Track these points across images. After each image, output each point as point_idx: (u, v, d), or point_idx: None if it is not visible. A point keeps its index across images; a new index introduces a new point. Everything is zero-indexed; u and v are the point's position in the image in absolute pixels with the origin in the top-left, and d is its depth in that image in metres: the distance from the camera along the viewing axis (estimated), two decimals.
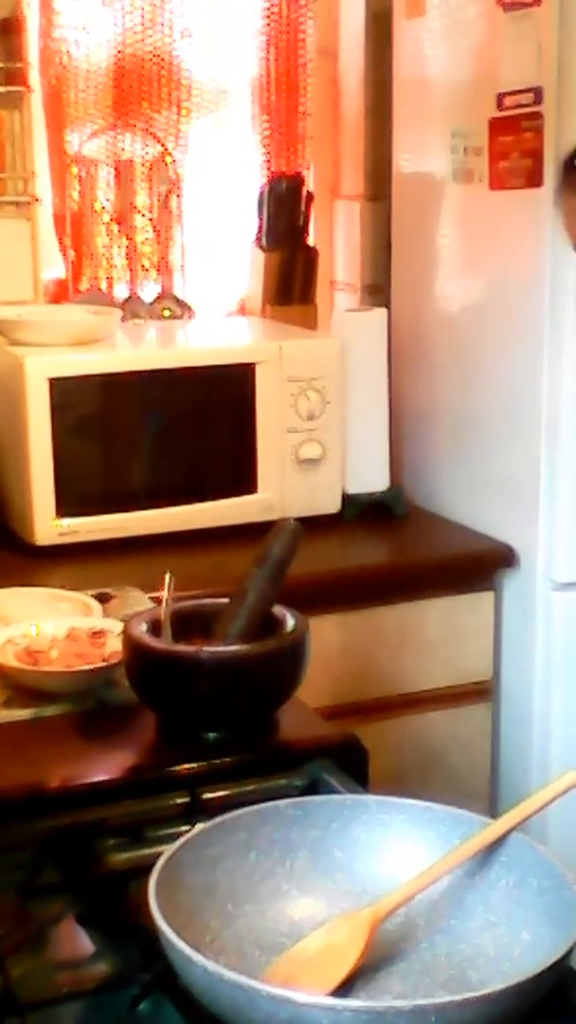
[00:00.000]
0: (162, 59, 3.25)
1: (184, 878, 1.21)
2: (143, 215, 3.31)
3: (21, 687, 1.86)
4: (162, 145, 3.28)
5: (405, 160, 3.08)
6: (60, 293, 3.27)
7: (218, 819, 1.29)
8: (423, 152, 2.98)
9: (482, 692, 2.83)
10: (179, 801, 1.53)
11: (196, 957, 1.08)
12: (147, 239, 3.32)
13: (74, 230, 3.26)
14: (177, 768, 1.62)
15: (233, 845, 1.28)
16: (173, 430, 2.81)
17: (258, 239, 3.37)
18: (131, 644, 1.73)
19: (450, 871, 1.24)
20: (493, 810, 2.56)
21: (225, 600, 1.79)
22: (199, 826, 1.28)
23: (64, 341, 2.76)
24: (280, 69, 3.38)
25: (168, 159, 3.29)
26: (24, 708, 1.82)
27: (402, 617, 2.74)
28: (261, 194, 3.36)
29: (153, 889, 1.15)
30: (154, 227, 3.31)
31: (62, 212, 3.24)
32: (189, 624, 1.77)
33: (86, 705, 1.83)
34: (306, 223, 3.39)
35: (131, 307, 3.23)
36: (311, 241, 3.41)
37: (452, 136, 2.83)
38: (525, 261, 2.65)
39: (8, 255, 3.10)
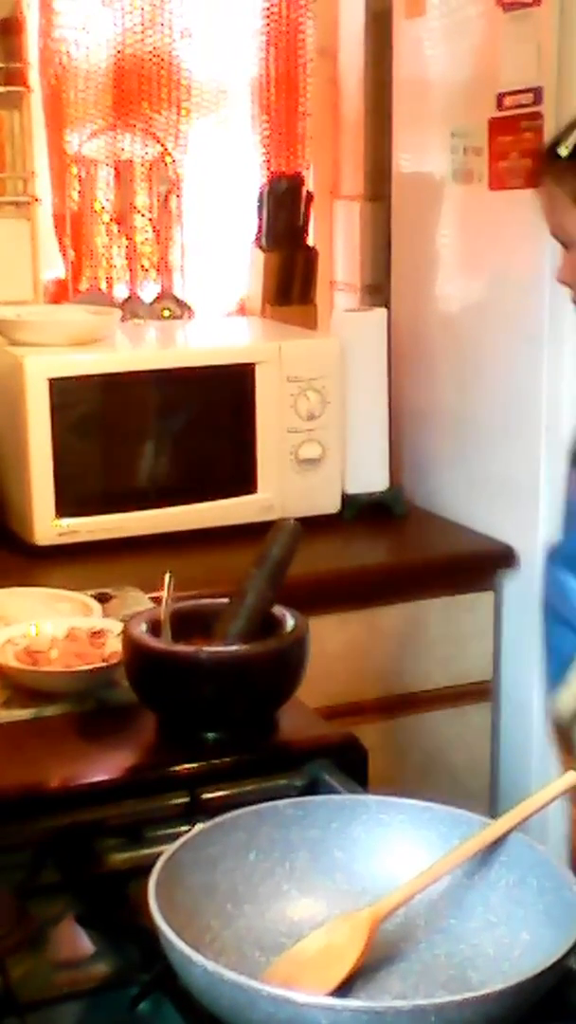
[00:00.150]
0: (162, 59, 3.25)
1: (184, 878, 1.21)
2: (143, 215, 3.31)
3: (21, 687, 1.86)
4: (162, 145, 3.29)
5: (405, 160, 3.08)
6: (60, 293, 3.27)
7: (218, 819, 1.29)
8: (423, 152, 2.98)
9: (482, 692, 2.83)
10: (179, 801, 1.53)
11: (196, 957, 1.08)
12: (147, 239, 3.32)
13: (74, 230, 3.26)
14: (177, 768, 1.62)
15: (233, 845, 1.28)
16: (173, 430, 2.81)
17: (258, 239, 3.37)
18: (131, 644, 1.73)
19: (450, 871, 1.24)
20: (493, 810, 2.56)
21: (225, 600, 1.79)
22: (199, 826, 1.28)
23: (64, 341, 2.76)
24: (280, 69, 3.39)
25: (168, 159, 3.29)
26: (24, 708, 1.82)
27: (402, 617, 2.74)
28: (261, 194, 3.36)
29: (153, 889, 1.15)
30: (154, 227, 3.31)
31: (62, 212, 3.24)
32: (189, 624, 1.77)
33: (86, 705, 1.83)
34: (306, 223, 3.39)
35: (131, 307, 3.23)
36: (311, 241, 3.42)
37: (452, 136, 2.83)
38: (525, 261, 2.65)
39: (8, 255, 3.10)
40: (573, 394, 2.62)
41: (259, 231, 3.37)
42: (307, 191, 3.39)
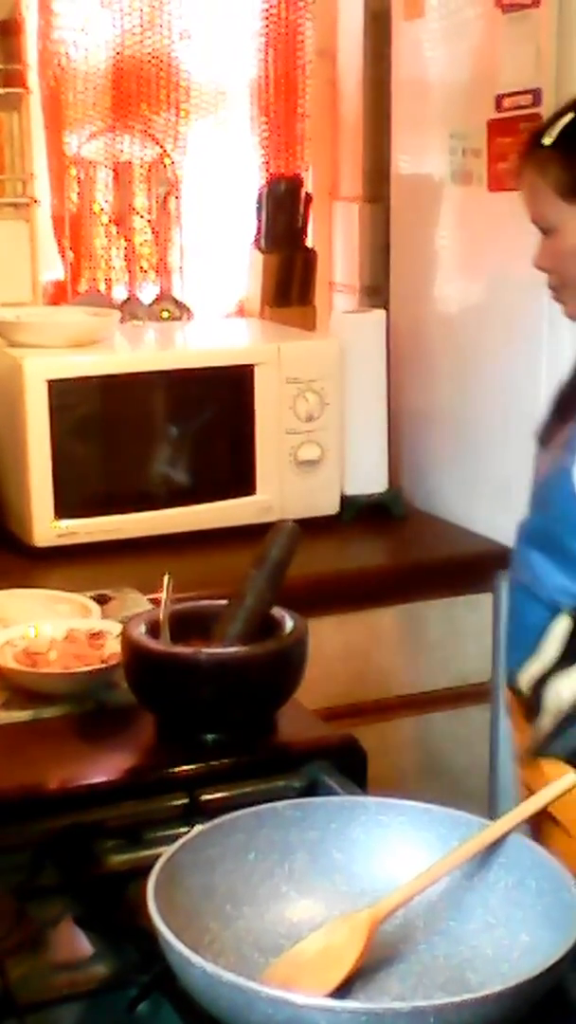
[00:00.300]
0: (161, 61, 3.25)
1: (183, 880, 1.21)
2: (142, 216, 3.31)
3: (20, 689, 1.86)
4: (161, 147, 3.29)
5: (404, 162, 3.08)
6: (59, 295, 3.27)
7: (217, 821, 1.29)
8: (422, 154, 2.98)
9: (481, 693, 2.83)
10: (178, 803, 1.54)
11: (195, 959, 1.08)
12: (146, 240, 3.32)
13: (73, 232, 3.26)
14: (176, 770, 1.62)
15: (232, 847, 1.28)
16: (172, 432, 2.81)
17: (257, 240, 3.37)
18: (130, 646, 1.73)
19: (449, 872, 1.24)
20: (492, 811, 2.56)
21: (224, 602, 1.79)
22: (198, 828, 1.28)
23: (63, 343, 2.76)
24: (279, 71, 3.39)
25: (167, 161, 3.29)
26: (23, 710, 1.82)
27: (401, 619, 2.74)
28: (260, 196, 3.36)
29: (152, 890, 1.15)
30: (153, 229, 3.31)
31: (61, 214, 3.24)
32: (188, 626, 1.77)
33: (85, 707, 1.83)
34: (305, 224, 3.39)
35: (130, 309, 3.23)
36: (310, 242, 3.42)
37: (451, 137, 2.83)
38: (524, 262, 2.63)
39: (7, 257, 3.10)
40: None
41: (258, 232, 3.37)
42: (306, 192, 3.39)
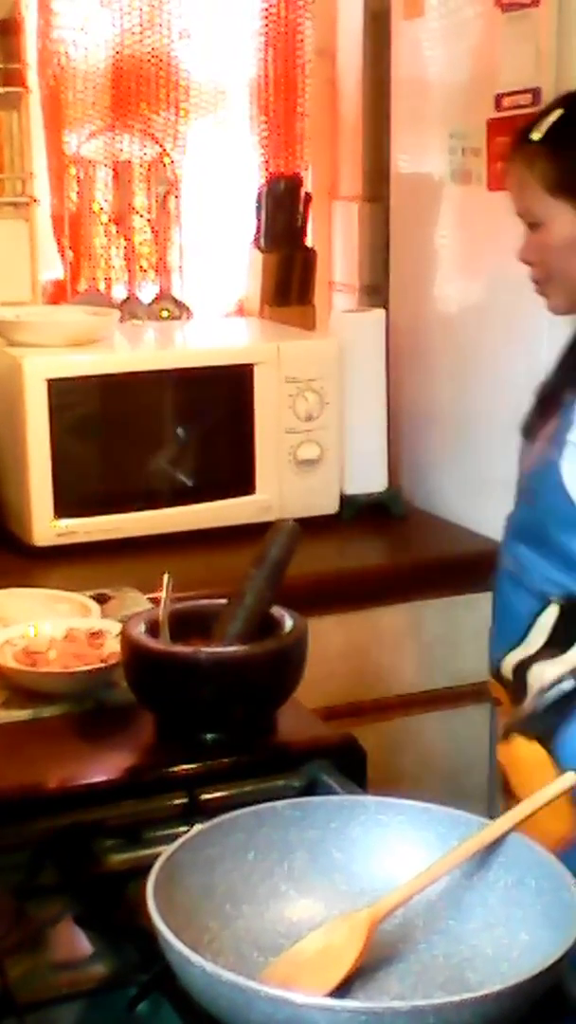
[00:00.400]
0: (160, 60, 3.25)
1: (182, 879, 1.21)
2: (141, 216, 3.31)
3: (19, 688, 1.86)
4: (160, 146, 3.29)
5: (403, 161, 3.08)
6: (58, 294, 3.27)
7: (216, 820, 1.29)
8: (421, 153, 2.98)
9: (480, 693, 2.81)
10: (177, 802, 1.54)
11: (194, 958, 1.08)
12: (145, 240, 3.32)
13: (72, 231, 3.26)
14: (175, 769, 1.62)
15: (231, 846, 1.28)
16: (171, 431, 2.81)
17: (256, 240, 3.37)
18: (129, 645, 1.73)
19: (448, 872, 1.24)
20: (491, 811, 2.56)
21: (223, 601, 1.79)
22: (197, 827, 1.28)
23: (62, 342, 2.76)
24: (278, 70, 3.39)
25: (166, 160, 3.29)
26: (22, 709, 1.82)
27: (400, 618, 2.74)
28: (259, 195, 3.36)
29: (151, 890, 1.15)
30: (152, 228, 3.31)
31: (60, 213, 3.24)
32: (187, 625, 1.77)
33: (84, 706, 1.83)
34: (304, 224, 3.39)
35: (129, 308, 3.23)
36: (309, 242, 3.42)
37: (450, 137, 2.83)
38: None
39: (6, 256, 3.10)
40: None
41: (257, 232, 3.37)
42: (305, 192, 3.39)
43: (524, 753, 1.94)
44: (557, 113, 2.00)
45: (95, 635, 1.97)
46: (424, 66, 2.93)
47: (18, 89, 3.05)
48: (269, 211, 3.34)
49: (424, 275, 3.04)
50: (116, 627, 1.93)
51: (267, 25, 3.35)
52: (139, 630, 1.73)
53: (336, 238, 3.45)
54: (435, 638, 2.76)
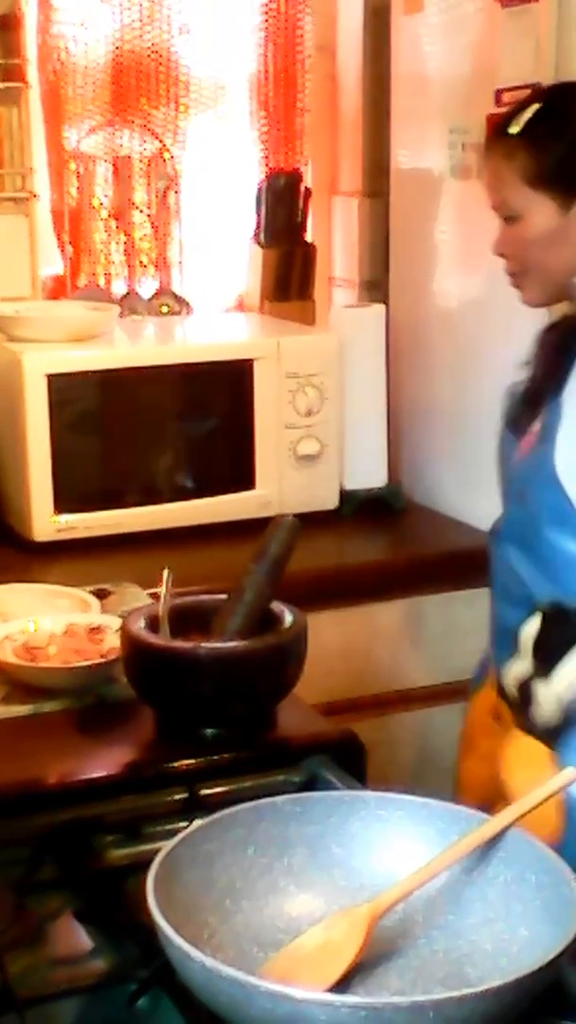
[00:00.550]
0: (160, 55, 3.25)
1: (182, 874, 1.21)
2: (141, 211, 3.31)
3: (19, 683, 1.86)
4: (160, 141, 3.28)
5: (403, 156, 3.07)
6: (58, 289, 3.27)
7: (216, 815, 1.29)
8: (421, 148, 2.98)
9: None
10: (177, 797, 1.54)
11: (194, 953, 1.08)
12: (145, 235, 3.32)
13: (72, 226, 3.26)
14: (175, 764, 1.62)
15: (231, 841, 1.28)
16: (171, 426, 2.81)
17: (256, 235, 3.37)
18: (129, 640, 1.73)
19: (448, 867, 1.24)
20: (491, 806, 2.56)
21: (223, 596, 1.79)
22: (197, 822, 1.28)
23: (62, 337, 2.76)
24: (278, 65, 3.38)
25: (166, 155, 3.29)
26: (22, 704, 1.82)
27: (400, 613, 2.74)
28: (259, 190, 3.36)
29: (151, 885, 1.15)
30: (152, 223, 3.31)
31: (60, 208, 3.24)
32: (187, 620, 1.77)
33: (84, 701, 1.83)
34: (304, 219, 3.39)
35: (129, 303, 3.23)
36: (309, 237, 3.41)
37: (450, 132, 2.83)
38: None
39: (6, 251, 3.09)
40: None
41: (257, 227, 3.37)
42: (305, 187, 3.39)
43: (524, 747, 1.94)
44: (535, 107, 2.01)
45: (95, 630, 1.97)
46: (424, 61, 2.92)
47: (18, 84, 3.05)
48: (269, 206, 3.34)
49: (424, 270, 3.03)
50: (116, 622, 1.93)
51: (267, 20, 3.35)
52: (139, 625, 1.73)
53: (336, 233, 3.45)
54: (435, 633, 2.76)
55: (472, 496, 2.89)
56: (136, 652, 1.73)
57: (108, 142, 3.27)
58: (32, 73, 3.11)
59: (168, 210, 3.31)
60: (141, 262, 3.32)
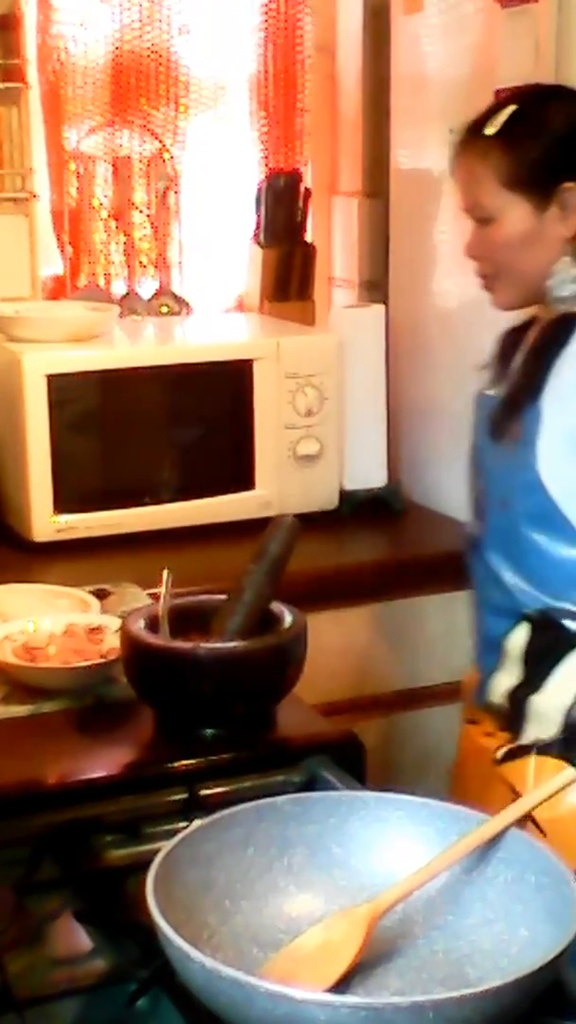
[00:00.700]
0: (160, 56, 3.25)
1: (182, 874, 1.21)
2: (141, 211, 3.31)
3: (19, 683, 1.86)
4: (160, 141, 3.28)
5: (403, 156, 3.07)
6: (58, 289, 3.27)
7: (216, 815, 1.29)
8: (421, 148, 2.98)
9: None
10: (177, 797, 1.54)
11: (194, 953, 1.08)
12: (145, 235, 3.32)
13: (72, 226, 3.26)
14: (175, 764, 1.62)
15: (230, 841, 1.28)
16: (171, 427, 2.81)
17: (256, 235, 3.37)
18: (129, 640, 1.73)
19: (448, 867, 1.24)
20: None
21: (223, 596, 1.79)
22: (197, 822, 1.28)
23: (62, 338, 2.76)
24: (278, 66, 3.38)
25: (166, 155, 3.29)
26: (22, 704, 1.82)
27: (400, 613, 2.74)
28: (259, 190, 3.36)
29: (151, 885, 1.15)
30: (152, 223, 3.31)
31: (60, 208, 3.24)
32: (187, 621, 1.77)
33: (84, 701, 1.83)
34: (304, 219, 3.39)
35: (129, 303, 3.23)
36: (309, 237, 3.41)
37: (450, 132, 2.81)
38: None
39: (6, 251, 3.10)
40: None
41: (257, 227, 3.37)
42: (305, 187, 3.39)
43: (550, 768, 1.92)
44: (511, 108, 2.00)
45: (95, 631, 1.97)
46: (424, 61, 2.92)
47: (18, 85, 3.05)
48: (269, 207, 3.34)
49: (424, 270, 3.03)
50: (116, 623, 1.93)
51: (267, 21, 3.35)
52: (139, 626, 1.73)
53: (336, 233, 3.45)
54: (434, 633, 2.76)
55: None
56: (136, 652, 1.73)
57: (108, 142, 3.27)
58: (32, 73, 3.11)
59: (168, 210, 3.31)
60: (141, 262, 3.32)
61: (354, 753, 1.65)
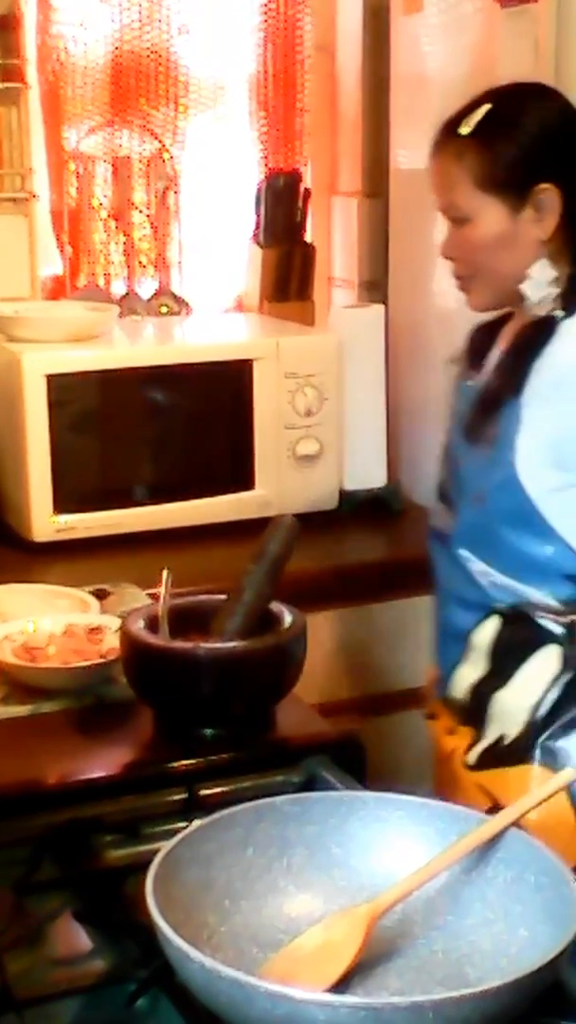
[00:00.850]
0: (160, 56, 3.25)
1: (181, 874, 1.21)
2: (140, 211, 3.31)
3: (19, 683, 1.86)
4: (159, 141, 3.28)
5: (403, 156, 3.07)
6: (57, 290, 3.27)
7: (215, 815, 1.29)
8: (420, 148, 2.94)
9: None
10: (176, 797, 1.54)
11: (193, 953, 1.08)
12: (144, 235, 3.32)
13: (71, 226, 3.26)
14: (174, 764, 1.62)
15: (230, 841, 1.28)
16: (170, 427, 2.81)
17: (255, 235, 3.37)
18: (128, 641, 1.73)
19: (447, 867, 1.24)
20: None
21: (222, 596, 1.79)
22: (196, 822, 1.28)
23: (61, 338, 2.76)
24: (278, 65, 3.38)
25: (166, 155, 3.29)
26: (22, 704, 1.82)
27: (399, 613, 2.74)
28: (259, 190, 3.36)
29: (150, 885, 1.15)
30: (151, 223, 3.31)
31: (59, 208, 3.24)
32: (187, 621, 1.77)
33: (84, 701, 1.83)
34: (303, 219, 3.39)
35: (128, 304, 3.23)
36: (308, 237, 3.41)
37: None
38: None
39: (5, 251, 3.10)
40: None
41: (257, 227, 3.37)
42: (305, 187, 3.39)
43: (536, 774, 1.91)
44: (486, 108, 1.95)
45: (94, 631, 1.97)
46: (423, 61, 2.92)
47: (17, 85, 3.05)
48: (268, 207, 3.34)
49: (423, 271, 3.03)
50: (115, 623, 1.93)
51: (266, 21, 3.35)
52: (138, 626, 1.73)
53: (335, 234, 3.45)
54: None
55: None
56: (135, 652, 1.73)
57: (107, 142, 3.27)
58: (31, 73, 3.11)
59: (167, 210, 3.31)
60: (140, 262, 3.32)
61: (354, 753, 1.64)
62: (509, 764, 1.91)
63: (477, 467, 1.99)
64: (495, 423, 1.95)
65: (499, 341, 2.07)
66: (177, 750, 1.65)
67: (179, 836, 1.25)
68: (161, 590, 1.78)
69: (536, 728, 1.90)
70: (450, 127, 1.98)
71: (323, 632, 2.56)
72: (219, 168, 3.38)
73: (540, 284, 1.95)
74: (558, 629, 1.91)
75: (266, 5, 3.34)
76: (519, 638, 1.94)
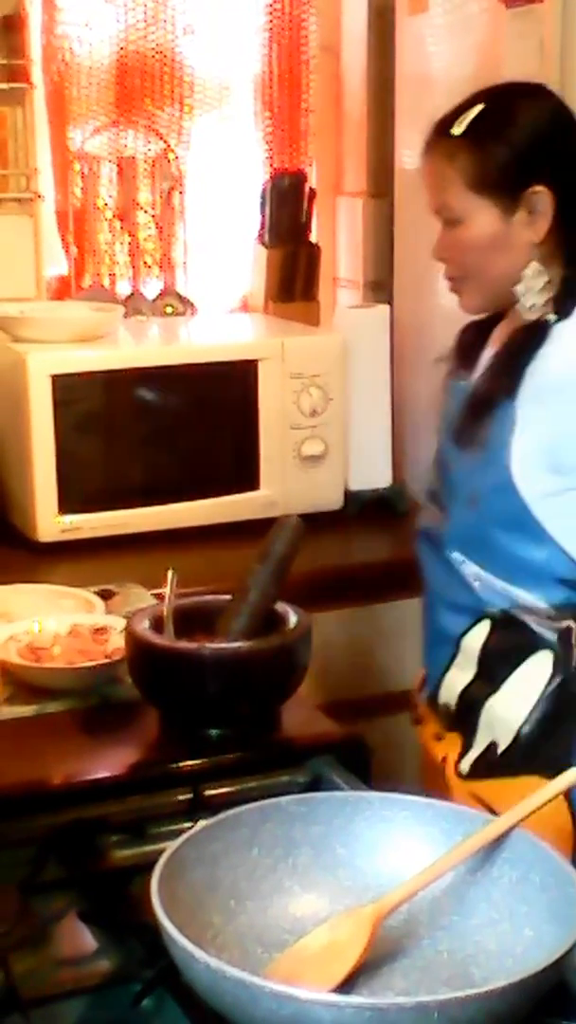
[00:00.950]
0: (165, 56, 3.26)
1: (186, 874, 1.21)
2: (145, 212, 3.31)
3: (24, 684, 1.86)
4: (164, 142, 3.29)
5: (408, 156, 3.07)
6: (62, 290, 3.27)
7: (221, 816, 1.29)
8: None
9: None
10: (182, 798, 1.54)
11: (198, 954, 1.08)
12: (149, 236, 3.33)
13: (76, 227, 3.26)
14: (180, 765, 1.62)
15: (236, 842, 1.28)
16: (176, 427, 2.81)
17: (260, 236, 3.37)
18: (134, 641, 1.73)
19: (453, 868, 1.24)
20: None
21: (228, 597, 1.79)
22: (202, 823, 1.28)
23: (66, 338, 2.76)
24: (283, 66, 3.39)
25: (171, 156, 3.29)
26: (27, 705, 1.82)
27: (404, 614, 2.73)
28: (263, 191, 3.36)
29: (156, 885, 1.15)
30: (156, 224, 3.31)
31: (64, 209, 3.24)
32: (192, 621, 1.77)
33: (89, 702, 1.83)
34: (308, 220, 3.39)
35: (133, 304, 3.23)
36: (313, 238, 3.42)
37: None
38: None
39: (10, 252, 3.10)
40: None
41: (262, 227, 3.37)
42: (310, 187, 3.39)
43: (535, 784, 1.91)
44: (478, 108, 1.92)
45: (99, 631, 1.97)
46: (428, 62, 2.92)
47: (22, 85, 3.05)
48: (273, 207, 3.34)
49: (428, 271, 3.02)
50: (120, 623, 1.93)
51: (271, 21, 3.35)
52: (143, 626, 1.73)
53: (340, 234, 3.45)
54: None
55: None
56: (140, 653, 1.73)
57: (112, 143, 3.27)
58: (37, 74, 3.12)
59: (172, 210, 3.31)
60: (145, 262, 3.32)
61: (359, 753, 1.65)
62: (503, 774, 1.90)
63: (469, 470, 1.97)
64: (487, 425, 1.93)
65: (491, 341, 2.06)
66: (182, 750, 1.65)
67: (184, 836, 1.25)
68: (166, 590, 1.78)
69: (530, 738, 1.89)
70: (442, 127, 1.95)
71: (328, 632, 2.56)
72: (224, 168, 3.38)
73: (533, 290, 1.93)
74: (550, 635, 1.90)
75: (271, 5, 3.34)
76: (511, 643, 1.93)
